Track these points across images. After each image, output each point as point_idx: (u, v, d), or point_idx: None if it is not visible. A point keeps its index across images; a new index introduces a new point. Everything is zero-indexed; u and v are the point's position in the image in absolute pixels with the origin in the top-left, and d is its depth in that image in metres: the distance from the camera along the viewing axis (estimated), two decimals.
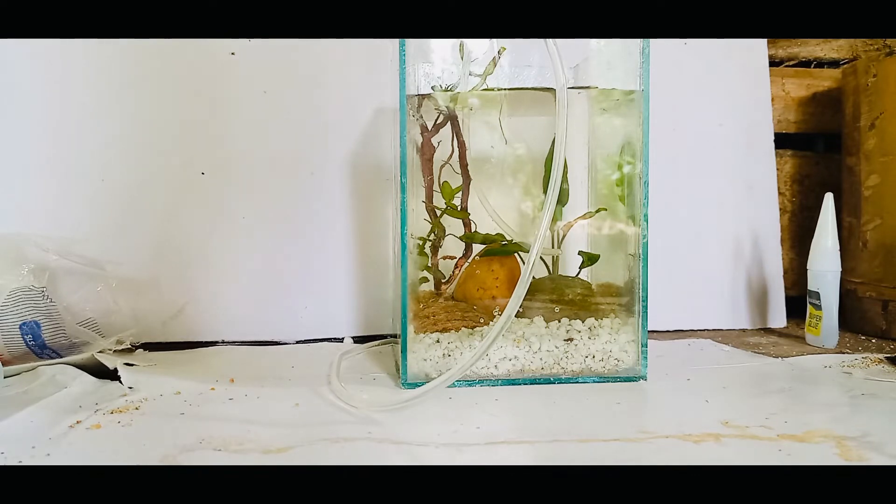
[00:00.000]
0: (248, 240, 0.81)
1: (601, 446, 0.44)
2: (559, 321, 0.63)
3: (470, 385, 0.59)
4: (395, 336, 0.74)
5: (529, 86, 0.65)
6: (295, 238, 0.82)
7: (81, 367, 0.62)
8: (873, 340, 0.82)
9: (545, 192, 0.64)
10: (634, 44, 0.60)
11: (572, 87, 0.66)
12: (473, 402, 0.55)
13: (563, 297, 0.65)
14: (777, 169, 0.93)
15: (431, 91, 0.62)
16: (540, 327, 0.62)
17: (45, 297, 0.70)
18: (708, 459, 0.42)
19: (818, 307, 0.78)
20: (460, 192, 0.65)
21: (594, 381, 0.61)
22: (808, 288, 0.79)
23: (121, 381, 0.59)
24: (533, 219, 0.68)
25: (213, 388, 0.59)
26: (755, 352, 0.75)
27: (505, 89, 0.63)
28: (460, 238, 0.67)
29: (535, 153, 0.66)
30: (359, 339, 0.82)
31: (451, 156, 0.64)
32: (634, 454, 0.43)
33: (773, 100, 0.94)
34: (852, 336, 0.84)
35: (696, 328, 0.88)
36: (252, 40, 0.81)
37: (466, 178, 0.65)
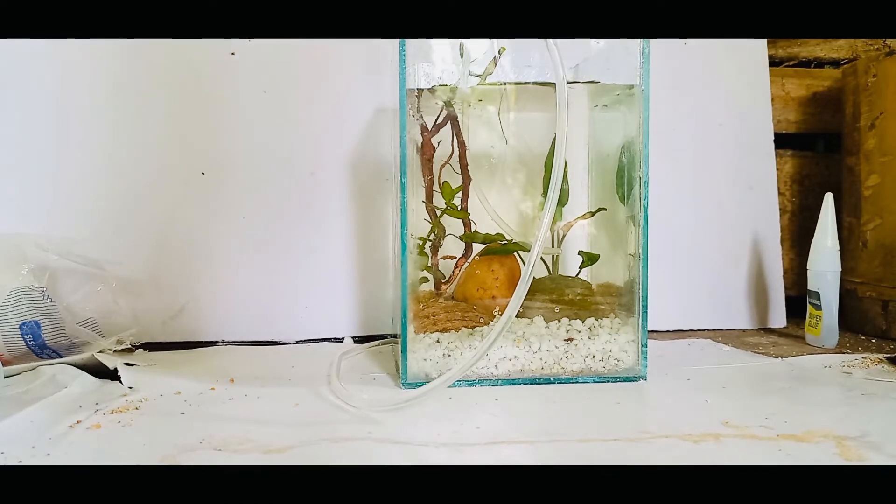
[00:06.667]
0: (248, 240, 0.81)
1: (601, 446, 0.44)
2: (559, 321, 0.63)
3: (470, 385, 0.59)
4: (395, 336, 0.74)
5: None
6: (295, 238, 0.82)
7: (81, 367, 0.62)
8: (873, 340, 0.82)
9: (545, 191, 0.64)
10: (634, 44, 0.60)
11: (572, 82, 0.66)
12: (473, 402, 0.55)
13: (563, 297, 0.65)
14: (777, 169, 0.93)
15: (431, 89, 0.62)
16: (540, 327, 0.62)
17: (45, 297, 0.70)
18: (708, 459, 0.42)
19: (818, 307, 0.78)
20: (460, 192, 0.65)
21: (594, 381, 0.61)
22: (808, 288, 0.79)
23: (121, 381, 0.59)
24: (533, 219, 0.68)
25: (213, 388, 0.59)
26: (755, 352, 0.75)
27: (505, 84, 0.63)
28: (460, 238, 0.67)
29: (536, 153, 0.66)
30: (359, 339, 0.82)
31: (451, 156, 0.64)
32: (634, 454, 0.43)
33: (773, 100, 0.94)
34: (852, 336, 0.84)
35: (696, 328, 0.88)
36: (252, 40, 0.81)
37: (466, 178, 0.65)
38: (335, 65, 0.82)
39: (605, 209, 0.67)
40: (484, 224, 0.67)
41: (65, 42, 0.78)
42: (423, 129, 0.63)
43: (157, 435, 0.46)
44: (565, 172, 0.61)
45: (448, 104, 0.63)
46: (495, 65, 0.62)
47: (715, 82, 0.90)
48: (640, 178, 0.61)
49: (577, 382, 0.60)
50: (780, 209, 0.93)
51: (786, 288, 0.92)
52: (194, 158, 0.80)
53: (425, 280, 0.67)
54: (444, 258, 0.67)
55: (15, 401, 0.53)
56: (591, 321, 0.63)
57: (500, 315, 0.53)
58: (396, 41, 0.58)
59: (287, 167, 0.81)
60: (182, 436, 0.46)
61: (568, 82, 0.54)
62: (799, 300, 0.92)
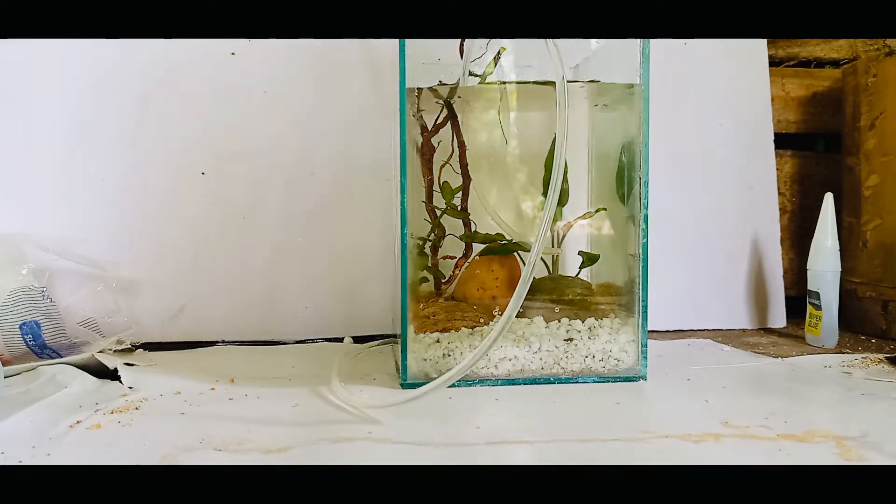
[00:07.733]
0: (248, 239, 0.81)
1: (601, 446, 0.44)
2: (559, 321, 0.63)
3: (470, 385, 0.59)
4: (395, 336, 0.74)
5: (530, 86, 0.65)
6: (295, 238, 0.82)
7: (81, 367, 0.62)
8: (873, 340, 0.82)
9: (545, 191, 0.64)
10: (634, 44, 0.60)
11: (572, 81, 0.66)
12: (473, 402, 0.55)
13: (563, 297, 0.65)
14: (777, 169, 0.93)
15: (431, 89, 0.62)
16: (540, 327, 0.62)
17: (45, 297, 0.70)
18: (708, 459, 0.42)
19: (818, 307, 0.78)
20: (460, 192, 0.65)
21: (594, 381, 0.61)
22: (808, 288, 0.79)
23: (121, 381, 0.59)
24: (533, 219, 0.68)
25: (213, 388, 0.59)
26: (755, 352, 0.75)
27: (505, 83, 0.63)
28: (460, 238, 0.67)
29: (536, 153, 0.66)
30: (359, 339, 0.82)
31: (451, 156, 0.64)
32: (634, 454, 0.43)
33: (773, 100, 0.94)
34: (852, 336, 0.84)
35: (696, 328, 0.88)
36: (252, 40, 0.81)
37: (466, 178, 0.65)
38: (335, 65, 0.82)
39: (605, 209, 0.67)
40: (484, 224, 0.67)
41: (65, 42, 0.78)
42: (423, 129, 0.63)
43: (157, 435, 0.46)
44: (565, 172, 0.61)
45: (448, 104, 0.63)
46: (496, 64, 0.62)
47: (715, 82, 0.90)
48: (640, 178, 0.61)
49: (577, 382, 0.60)
50: (780, 209, 0.93)
51: (786, 288, 0.92)
52: (194, 158, 0.80)
53: (425, 280, 0.67)
54: (444, 258, 0.67)
55: (15, 401, 0.53)
56: (591, 321, 0.63)
57: (500, 315, 0.53)
58: (396, 41, 0.58)
59: (287, 167, 0.81)
60: (182, 436, 0.46)
61: (568, 82, 0.54)
62: (799, 300, 0.92)
